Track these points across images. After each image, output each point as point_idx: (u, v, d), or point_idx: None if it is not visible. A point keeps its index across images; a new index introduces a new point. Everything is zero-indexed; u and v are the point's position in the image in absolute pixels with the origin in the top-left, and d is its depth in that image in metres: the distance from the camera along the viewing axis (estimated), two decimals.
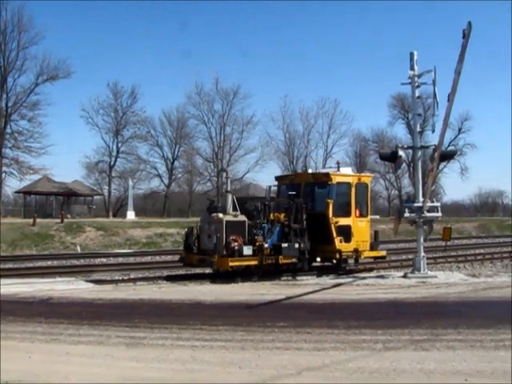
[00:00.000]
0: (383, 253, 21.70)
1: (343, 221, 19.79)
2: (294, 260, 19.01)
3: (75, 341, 9.45)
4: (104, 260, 26.50)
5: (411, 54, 19.04)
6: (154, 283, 17.76)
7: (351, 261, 20.38)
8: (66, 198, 67.73)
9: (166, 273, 20.81)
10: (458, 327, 10.36)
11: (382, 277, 18.61)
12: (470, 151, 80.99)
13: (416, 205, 18.52)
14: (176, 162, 76.27)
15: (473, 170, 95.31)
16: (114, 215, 66.69)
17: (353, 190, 20.51)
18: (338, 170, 20.92)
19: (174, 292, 15.60)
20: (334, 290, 15.72)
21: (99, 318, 11.26)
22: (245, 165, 73.98)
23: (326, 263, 20.80)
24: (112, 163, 70.84)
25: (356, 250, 20.05)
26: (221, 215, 18.30)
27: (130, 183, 62.36)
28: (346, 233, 19.86)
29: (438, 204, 19.16)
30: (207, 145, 74.09)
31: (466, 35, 15.38)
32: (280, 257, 18.43)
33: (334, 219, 19.62)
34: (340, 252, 19.59)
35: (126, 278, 19.21)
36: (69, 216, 53.07)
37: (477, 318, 11.40)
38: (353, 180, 20.73)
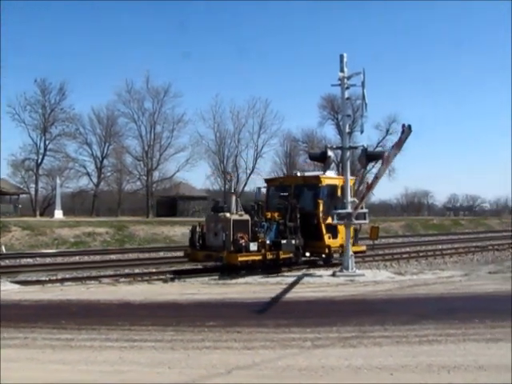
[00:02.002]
0: (363, 247, 23.48)
1: (331, 219, 20.50)
2: (291, 255, 20.59)
3: None
4: (30, 260, 25.81)
5: (341, 56, 19.35)
6: (83, 283, 17.45)
7: (336, 255, 22.31)
8: None
9: (94, 273, 20.41)
10: (385, 324, 10.59)
11: (311, 275, 18.84)
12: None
13: (344, 211, 19.23)
14: (105, 160, 75.00)
15: (400, 170, 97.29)
16: (41, 214, 65.00)
17: (339, 191, 21.99)
18: (324, 173, 21.93)
19: (103, 292, 15.36)
20: (264, 289, 15.79)
21: (25, 320, 10.98)
22: (175, 164, 73.61)
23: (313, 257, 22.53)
24: (39, 161, 69.11)
25: (342, 246, 21.34)
26: (228, 215, 19.68)
27: (58, 182, 60.87)
28: (333, 230, 21.46)
29: (365, 210, 19.78)
30: (137, 143, 73.06)
31: (404, 134, 16.79)
32: (280, 252, 20.09)
33: (324, 218, 21.11)
34: (329, 247, 21.66)
35: (53, 278, 18.78)
36: None
37: (403, 315, 11.67)
38: (339, 182, 22.25)
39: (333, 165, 22.56)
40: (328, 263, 22.13)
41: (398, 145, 17.55)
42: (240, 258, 18.97)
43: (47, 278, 18.74)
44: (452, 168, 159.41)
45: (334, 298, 14.31)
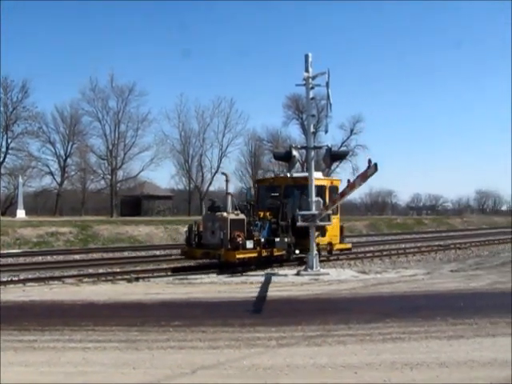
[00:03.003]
0: (349, 245, 25.58)
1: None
2: (283, 252, 21.61)
3: None
4: None
5: (306, 56, 19.44)
6: (46, 284, 17.22)
7: (324, 252, 23.32)
8: None
9: (57, 273, 20.16)
10: (349, 322, 10.69)
11: (276, 275, 18.90)
12: (362, 152, 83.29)
13: (309, 213, 19.53)
14: (69, 159, 74.07)
15: (364, 170, 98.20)
16: (3, 214, 63.82)
17: (327, 191, 23.53)
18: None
19: (66, 293, 15.19)
20: (229, 289, 15.80)
21: None
22: (139, 163, 73.09)
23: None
24: (1, 160, 67.96)
25: (330, 243, 23.48)
26: (225, 214, 20.47)
27: (20, 181, 59.90)
28: (321, 228, 22.05)
29: (329, 212, 20.13)
30: (101, 142, 72.47)
31: (370, 170, 17.33)
32: (274, 249, 21.11)
33: None
34: (318, 245, 21.69)
35: (15, 279, 18.48)
36: None
37: (367, 313, 11.79)
38: (327, 183, 24.08)
39: (297, 164, 22.75)
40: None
41: (363, 178, 18.03)
42: (238, 256, 19.68)
43: (9, 279, 18.43)
44: (415, 167, 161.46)
45: (299, 297, 14.38)
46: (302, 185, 22.62)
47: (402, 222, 64.75)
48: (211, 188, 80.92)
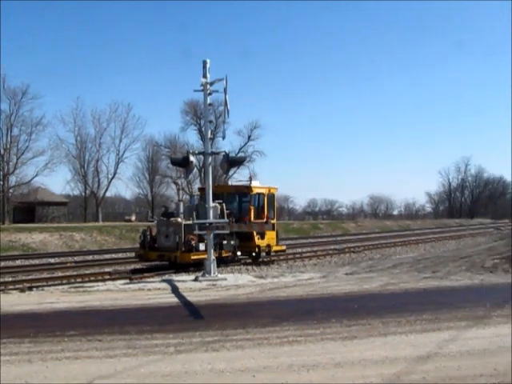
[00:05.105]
0: (284, 247, 28.48)
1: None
2: (230, 254, 24.15)
3: None
4: None
5: (204, 62, 19.48)
6: None
7: (263, 254, 26.18)
8: None
9: None
10: (247, 327, 10.79)
11: (174, 281, 18.76)
12: (259, 158, 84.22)
13: (205, 221, 20.07)
14: None
15: (261, 175, 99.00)
16: None
17: (265, 198, 26.16)
18: (251, 182, 26.22)
19: None
20: (126, 296, 15.57)
21: None
22: (33, 168, 70.48)
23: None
24: None
25: (268, 245, 25.96)
26: (179, 219, 22.75)
27: None
28: (261, 232, 24.84)
29: (226, 220, 21.20)
30: None
31: None
32: (222, 251, 23.41)
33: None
34: (259, 247, 25.45)
35: None
36: None
37: (264, 317, 11.95)
38: (265, 191, 26.40)
39: (195, 170, 23.09)
40: (257, 260, 25.58)
41: None
42: (193, 257, 21.73)
43: None
44: (311, 173, 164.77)
45: (197, 302, 14.34)
46: (244, 192, 25.98)
47: (298, 227, 65.74)
48: (108, 194, 79.51)
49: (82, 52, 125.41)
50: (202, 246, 21.72)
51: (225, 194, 25.58)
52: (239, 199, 26.52)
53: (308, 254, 30.94)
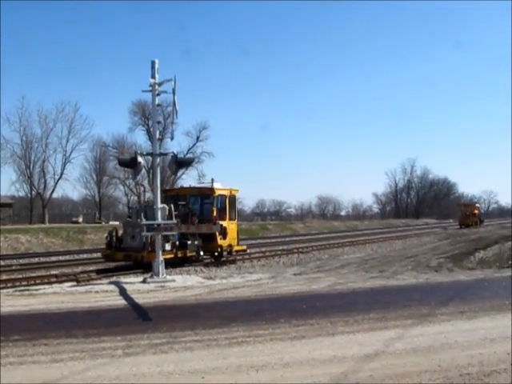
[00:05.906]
0: (245, 247, 30.03)
1: (221, 223, 24.78)
2: (194, 253, 25.13)
3: None
4: None
5: (152, 62, 19.35)
6: None
7: (225, 253, 27.57)
8: None
9: None
10: (195, 328, 10.75)
11: (121, 283, 18.57)
12: (208, 158, 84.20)
13: (154, 222, 19.85)
14: None
15: (210, 176, 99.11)
16: None
17: (227, 200, 27.60)
18: (213, 184, 27.15)
19: None
20: (73, 298, 15.32)
21: None
22: None
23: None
24: None
25: (230, 245, 27.38)
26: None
27: None
28: (223, 232, 25.91)
29: (174, 221, 21.28)
30: None
31: None
32: (187, 251, 24.64)
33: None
34: (221, 247, 26.71)
35: None
36: None
37: (212, 319, 11.93)
38: (227, 193, 27.75)
39: (143, 171, 23.09)
40: (219, 260, 26.79)
41: None
42: None
43: None
44: (260, 174, 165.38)
45: (145, 304, 14.21)
46: (207, 194, 27.19)
47: (246, 228, 65.83)
48: (55, 195, 78.29)
49: (27, 51, 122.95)
50: (168, 246, 22.80)
51: (188, 195, 27.07)
52: (202, 201, 27.80)
53: (257, 255, 31.13)
